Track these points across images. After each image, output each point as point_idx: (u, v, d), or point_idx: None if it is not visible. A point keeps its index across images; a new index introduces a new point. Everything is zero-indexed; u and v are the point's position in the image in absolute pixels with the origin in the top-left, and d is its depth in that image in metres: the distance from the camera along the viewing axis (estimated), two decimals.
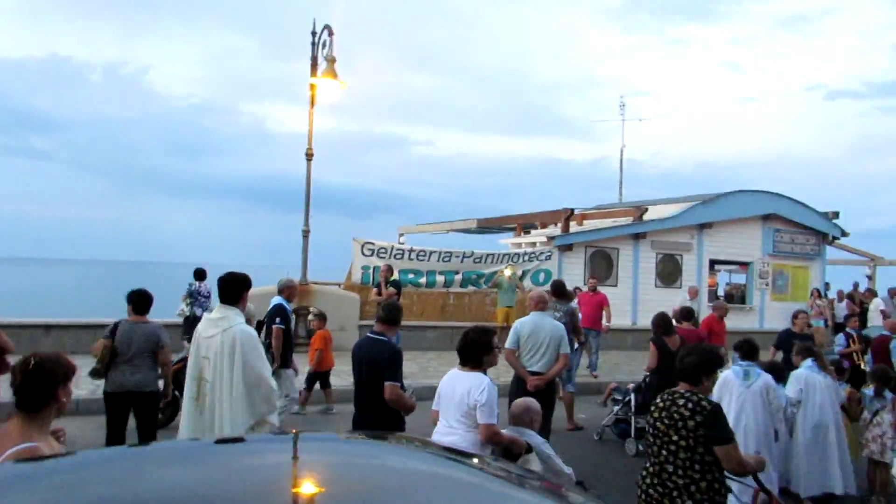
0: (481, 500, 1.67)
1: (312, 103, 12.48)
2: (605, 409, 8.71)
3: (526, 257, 16.29)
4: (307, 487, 1.60)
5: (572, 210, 18.04)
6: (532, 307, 6.69)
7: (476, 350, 4.28)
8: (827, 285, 20.15)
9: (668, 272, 18.40)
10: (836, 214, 20.74)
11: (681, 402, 3.60)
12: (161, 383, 5.85)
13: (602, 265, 17.44)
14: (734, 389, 5.46)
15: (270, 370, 4.44)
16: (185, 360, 5.37)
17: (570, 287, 10.24)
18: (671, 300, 14.72)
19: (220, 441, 2.61)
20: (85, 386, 7.86)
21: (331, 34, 11.88)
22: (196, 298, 12.11)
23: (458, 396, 4.19)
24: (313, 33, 12.21)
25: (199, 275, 12.51)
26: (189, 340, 7.63)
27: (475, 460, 2.05)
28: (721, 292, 20.92)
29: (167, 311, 11.70)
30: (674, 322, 7.69)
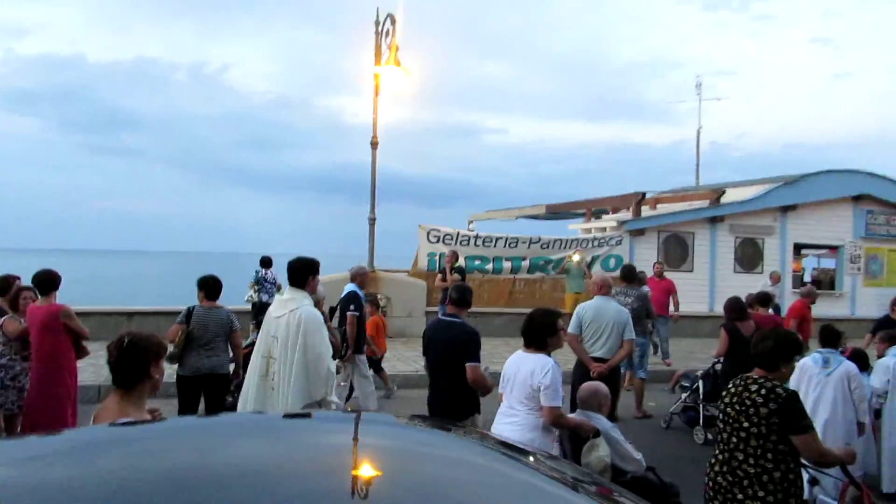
0: (526, 501, 1.63)
1: (377, 92, 12.73)
2: (673, 396, 8.44)
3: (595, 243, 15.94)
4: (363, 469, 1.65)
5: (643, 194, 17.53)
6: (595, 291, 6.53)
7: (540, 331, 4.21)
8: None
9: (749, 257, 17.68)
10: None
11: (754, 387, 3.40)
12: (231, 366, 6.05)
13: (676, 250, 16.97)
14: (813, 377, 5.16)
15: (331, 353, 4.51)
16: (252, 344, 5.54)
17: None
18: (751, 286, 14.02)
19: (287, 416, 2.68)
20: None
21: (393, 23, 11.99)
22: (263, 285, 12.49)
23: (521, 378, 4.12)
24: (377, 23, 12.41)
25: (266, 262, 12.88)
26: (257, 325, 7.86)
27: (531, 458, 2.00)
28: (808, 278, 19.83)
29: (236, 297, 12.08)
30: (748, 307, 7.33)
